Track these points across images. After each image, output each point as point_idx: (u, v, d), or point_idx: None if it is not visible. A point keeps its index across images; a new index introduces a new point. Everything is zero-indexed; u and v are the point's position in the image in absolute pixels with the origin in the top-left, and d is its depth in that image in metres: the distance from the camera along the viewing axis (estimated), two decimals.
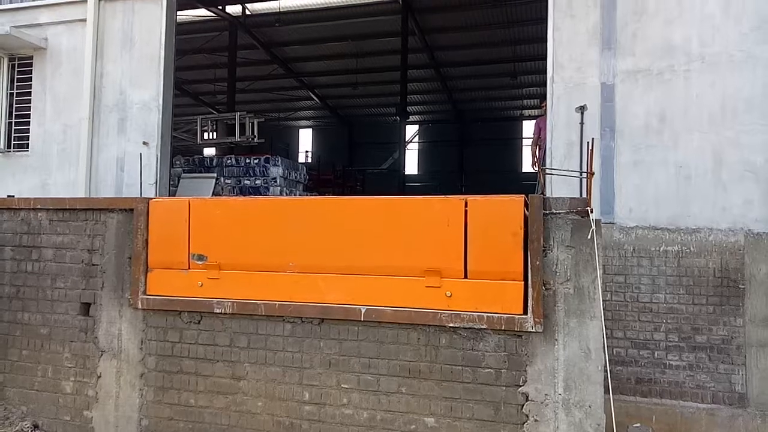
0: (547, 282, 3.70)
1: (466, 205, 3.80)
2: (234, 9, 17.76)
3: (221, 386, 4.26)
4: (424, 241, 3.87)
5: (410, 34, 17.73)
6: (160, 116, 8.42)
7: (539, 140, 8.25)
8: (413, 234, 3.90)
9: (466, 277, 3.80)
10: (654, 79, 6.55)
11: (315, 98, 25.51)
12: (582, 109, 6.71)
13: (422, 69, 21.05)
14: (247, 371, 4.21)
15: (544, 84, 7.16)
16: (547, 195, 6.26)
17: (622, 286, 6.30)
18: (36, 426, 4.65)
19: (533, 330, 3.64)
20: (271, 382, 4.15)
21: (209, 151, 20.46)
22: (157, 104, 8.43)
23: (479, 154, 26.73)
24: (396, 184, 19.91)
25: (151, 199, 4.60)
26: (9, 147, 9.23)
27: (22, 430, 4.56)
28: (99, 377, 4.56)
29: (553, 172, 6.53)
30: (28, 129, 9.07)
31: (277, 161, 12.47)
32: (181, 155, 13.57)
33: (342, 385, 4.00)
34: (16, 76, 9.25)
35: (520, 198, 3.75)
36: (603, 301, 3.73)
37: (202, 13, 17.04)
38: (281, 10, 17.34)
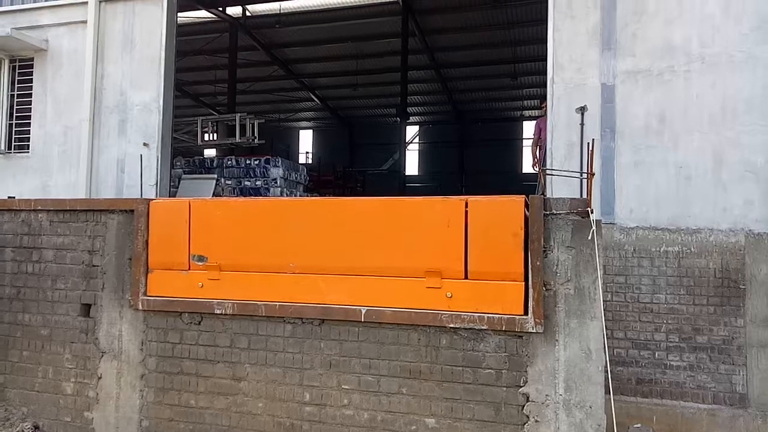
0: (547, 282, 3.70)
1: (466, 206, 3.81)
2: (234, 10, 17.78)
3: (222, 387, 4.26)
4: (424, 242, 3.87)
5: (410, 36, 17.75)
6: (161, 117, 8.43)
7: (539, 141, 8.25)
8: (414, 235, 3.90)
9: (466, 277, 3.80)
10: (654, 79, 6.55)
11: (315, 99, 25.53)
12: (582, 109, 6.71)
13: (422, 70, 21.07)
14: (247, 372, 4.21)
15: (545, 85, 7.16)
16: (548, 195, 6.26)
17: (623, 286, 6.30)
18: (37, 427, 4.65)
19: (534, 331, 3.64)
20: (272, 383, 4.15)
21: (210, 152, 20.47)
22: (158, 105, 8.44)
23: (479, 154, 26.74)
24: (396, 185, 19.93)
25: (152, 200, 4.60)
26: (10, 148, 9.24)
27: (22, 431, 4.56)
28: (99, 378, 4.56)
29: (554, 172, 6.53)
30: (29, 130, 9.08)
31: (278, 162, 12.47)
32: (181, 156, 13.57)
33: (342, 386, 4.00)
34: (16, 78, 9.26)
35: (520, 198, 3.75)
36: (603, 301, 3.73)
37: (203, 14, 17.06)
38: (282, 11, 17.37)
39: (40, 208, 4.91)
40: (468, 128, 27.17)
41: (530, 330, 3.65)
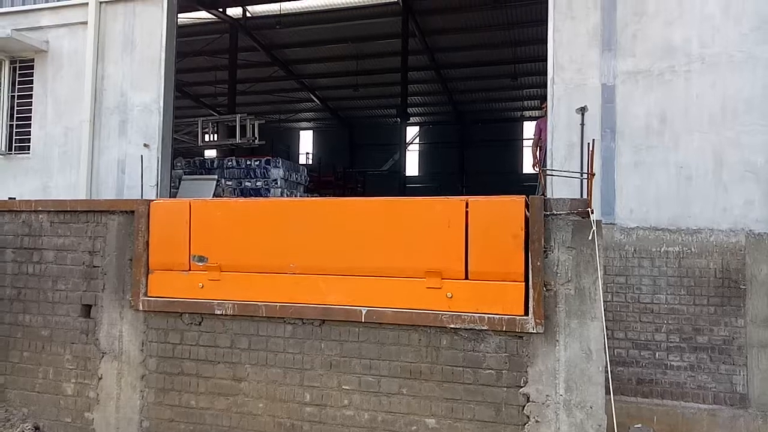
0: (548, 283, 3.70)
1: (466, 206, 3.81)
2: (235, 11, 17.79)
3: (222, 388, 4.26)
4: (424, 242, 3.87)
5: (411, 36, 17.75)
6: (161, 118, 8.44)
7: (540, 141, 8.26)
8: (414, 235, 3.90)
9: (466, 278, 3.80)
10: (654, 79, 6.55)
11: (316, 100, 25.54)
12: (582, 110, 6.71)
13: (423, 71, 21.07)
14: (248, 373, 4.21)
15: (545, 85, 7.16)
16: (548, 196, 6.27)
17: (623, 286, 6.30)
18: (37, 428, 4.65)
19: (534, 331, 3.64)
20: (272, 384, 4.15)
21: (210, 153, 20.50)
22: (158, 106, 8.44)
23: (480, 155, 26.74)
24: (397, 185, 19.92)
25: (152, 200, 4.61)
26: (10, 149, 9.24)
27: (23, 431, 4.56)
28: (100, 379, 4.57)
29: (554, 173, 6.53)
30: (30, 131, 9.08)
31: (278, 163, 12.47)
32: (182, 157, 13.57)
33: (343, 387, 4.00)
34: (17, 79, 9.27)
35: (520, 199, 3.75)
36: (604, 301, 3.73)
37: (203, 15, 17.08)
38: (282, 12, 17.38)
39: (40, 209, 4.92)
40: (468, 129, 27.17)
41: (531, 330, 3.65)
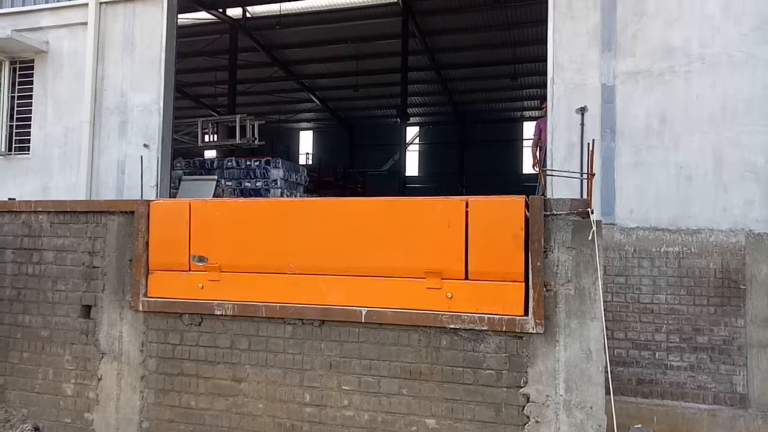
0: (547, 283, 3.70)
1: (466, 206, 3.81)
2: (235, 12, 17.80)
3: (222, 388, 4.26)
4: (424, 243, 3.87)
5: (410, 36, 17.76)
6: (161, 119, 8.44)
7: (540, 141, 8.25)
8: (414, 235, 3.90)
9: (466, 278, 3.80)
10: (654, 80, 6.55)
11: (316, 100, 25.54)
12: (582, 110, 6.71)
13: (423, 71, 21.08)
14: (247, 373, 4.21)
15: (545, 85, 7.16)
16: (548, 196, 6.26)
17: (623, 287, 6.30)
18: (37, 428, 4.65)
19: (534, 331, 3.64)
20: (272, 384, 4.15)
21: (210, 154, 20.48)
22: (158, 107, 8.44)
23: (480, 155, 26.74)
24: (396, 185, 19.93)
25: (152, 201, 4.61)
26: (10, 150, 9.24)
27: None
28: (100, 379, 4.56)
29: (554, 173, 6.53)
30: (30, 132, 9.08)
31: (278, 163, 12.47)
32: (181, 157, 13.57)
33: (343, 387, 4.00)
34: (17, 80, 9.27)
35: (520, 199, 3.75)
36: (604, 302, 3.72)
37: (203, 16, 17.09)
38: (282, 12, 17.38)
39: (40, 209, 4.92)
40: (468, 129, 27.18)
41: (530, 330, 3.64)
